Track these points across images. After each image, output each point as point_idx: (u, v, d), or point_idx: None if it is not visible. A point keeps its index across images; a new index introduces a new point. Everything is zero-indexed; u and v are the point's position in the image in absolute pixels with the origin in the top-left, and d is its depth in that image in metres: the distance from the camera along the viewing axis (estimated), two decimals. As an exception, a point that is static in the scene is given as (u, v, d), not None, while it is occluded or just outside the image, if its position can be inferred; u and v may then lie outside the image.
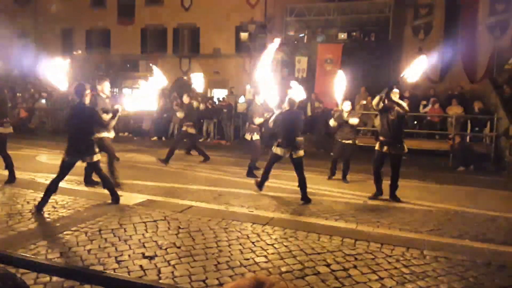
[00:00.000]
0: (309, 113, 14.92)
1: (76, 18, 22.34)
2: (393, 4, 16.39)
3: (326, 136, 11.49)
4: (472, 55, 15.03)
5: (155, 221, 5.26)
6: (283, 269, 3.98)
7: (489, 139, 12.25)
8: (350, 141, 8.30)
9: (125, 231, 4.87)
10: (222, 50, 20.46)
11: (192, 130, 9.97)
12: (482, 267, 4.22)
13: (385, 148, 6.69)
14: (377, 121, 7.03)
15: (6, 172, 7.19)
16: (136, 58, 22.00)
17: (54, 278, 3.39)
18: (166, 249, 4.34)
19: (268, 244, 4.60)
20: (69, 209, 5.72)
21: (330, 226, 5.40)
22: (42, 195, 5.60)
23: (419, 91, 14.86)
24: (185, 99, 10.36)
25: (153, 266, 3.93)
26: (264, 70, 7.19)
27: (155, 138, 15.73)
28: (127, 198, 6.41)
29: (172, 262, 4.01)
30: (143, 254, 4.20)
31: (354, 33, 17.55)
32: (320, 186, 7.80)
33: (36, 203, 5.61)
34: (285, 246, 4.57)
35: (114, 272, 3.70)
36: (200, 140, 14.36)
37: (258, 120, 8.57)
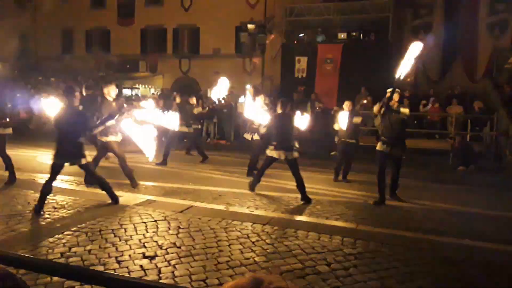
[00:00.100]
0: (309, 112, 14.92)
1: (76, 19, 22.35)
2: (392, 4, 16.40)
3: (326, 136, 11.48)
4: (472, 55, 15.05)
5: (155, 221, 5.27)
6: (284, 268, 3.98)
7: (489, 139, 12.25)
8: (354, 141, 8.30)
9: (126, 231, 4.87)
10: (222, 50, 20.47)
11: (184, 129, 9.89)
12: (482, 266, 4.22)
13: (387, 148, 6.63)
14: (377, 121, 6.96)
15: (7, 173, 7.20)
16: (136, 58, 22.00)
17: (55, 279, 3.39)
18: (166, 249, 4.35)
19: (268, 244, 4.60)
20: (69, 210, 5.73)
21: (330, 226, 5.41)
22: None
23: (419, 91, 14.88)
24: (178, 99, 10.38)
25: (154, 266, 3.94)
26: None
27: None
28: (128, 198, 6.41)
29: (173, 262, 4.02)
30: (143, 254, 4.21)
31: (354, 33, 17.56)
32: (320, 185, 7.80)
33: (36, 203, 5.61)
34: (285, 245, 4.57)
35: (115, 272, 3.71)
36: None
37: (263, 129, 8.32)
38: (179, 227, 5.05)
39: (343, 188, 7.77)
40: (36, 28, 23.38)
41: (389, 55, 16.47)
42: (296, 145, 6.76)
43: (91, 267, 3.81)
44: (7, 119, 7.31)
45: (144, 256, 4.15)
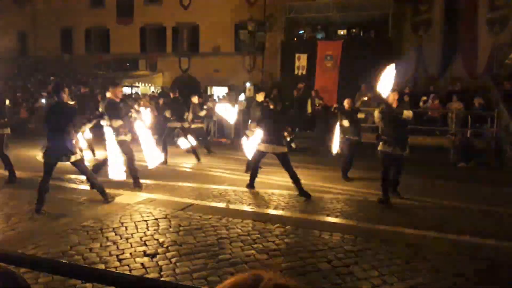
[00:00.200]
0: (309, 110, 14.92)
1: (75, 18, 22.34)
2: (392, 0, 16.37)
3: (327, 133, 11.47)
4: (472, 51, 15.01)
5: (156, 219, 5.27)
6: (284, 265, 3.98)
7: (489, 135, 12.24)
8: (357, 138, 8.27)
9: (127, 229, 4.88)
10: (222, 48, 20.46)
11: (177, 124, 9.80)
12: (483, 262, 4.22)
13: (389, 148, 6.54)
14: (376, 117, 6.85)
15: (7, 172, 7.20)
16: (135, 57, 22.00)
17: (56, 277, 3.40)
18: (167, 247, 4.35)
19: (269, 241, 4.60)
20: (70, 208, 5.73)
21: (331, 223, 5.41)
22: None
23: (419, 87, 14.86)
24: (171, 94, 10.41)
25: (155, 264, 3.94)
26: None
27: (155, 136, 15.72)
28: (128, 196, 6.42)
29: (174, 260, 4.02)
30: (144, 252, 4.21)
31: (354, 30, 17.55)
32: (321, 182, 7.80)
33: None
34: (286, 243, 4.58)
35: (116, 270, 3.72)
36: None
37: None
38: (180, 225, 5.05)
39: (343, 185, 7.77)
40: (35, 27, 23.37)
41: (389, 52, 16.47)
42: (288, 138, 6.87)
43: (92, 265, 3.81)
44: (6, 119, 7.30)
45: (145, 254, 4.15)
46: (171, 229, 4.91)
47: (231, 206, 6.08)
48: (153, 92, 20.50)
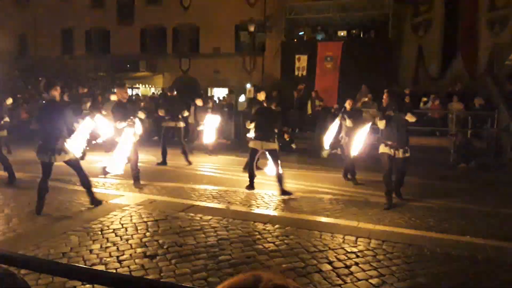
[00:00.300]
0: (309, 111, 14.93)
1: (75, 19, 22.37)
2: (392, 1, 16.39)
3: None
4: (472, 51, 15.01)
5: (156, 220, 5.27)
6: (285, 266, 3.98)
7: (490, 136, 12.23)
8: None
9: (127, 230, 4.88)
10: (222, 49, 20.47)
11: (171, 124, 9.64)
12: (483, 263, 4.22)
13: (392, 151, 6.43)
14: (381, 124, 6.64)
15: (6, 173, 7.21)
16: (136, 58, 22.01)
17: (56, 278, 3.40)
18: (167, 248, 4.35)
19: (270, 242, 4.60)
20: (70, 209, 5.73)
21: (331, 224, 5.41)
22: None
23: (419, 88, 14.86)
24: (169, 93, 10.29)
25: (155, 265, 3.94)
26: None
27: (155, 138, 15.73)
28: (128, 198, 6.43)
29: (174, 261, 4.02)
30: (144, 253, 4.21)
31: (354, 31, 17.57)
32: (321, 183, 7.80)
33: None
34: (287, 244, 4.57)
35: (116, 271, 3.72)
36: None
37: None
38: (180, 226, 5.05)
39: (344, 186, 7.77)
40: (36, 28, 23.40)
41: (389, 52, 16.49)
42: (287, 138, 6.90)
43: (92, 267, 3.81)
44: (2, 122, 7.30)
45: (145, 255, 4.15)
46: (171, 230, 4.91)
47: (232, 207, 6.08)
48: (153, 93, 20.51)
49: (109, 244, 4.42)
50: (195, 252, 4.26)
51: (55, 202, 5.89)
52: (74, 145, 5.66)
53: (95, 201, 5.84)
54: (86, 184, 5.82)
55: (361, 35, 17.59)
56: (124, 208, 5.77)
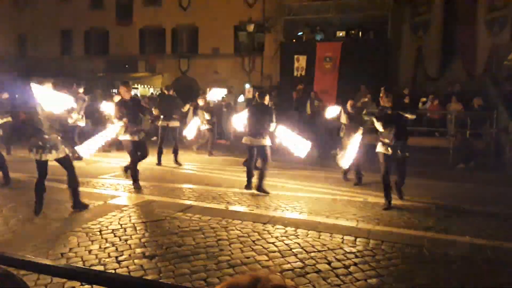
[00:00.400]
0: (308, 111, 14.93)
1: (74, 20, 22.35)
2: (391, 1, 16.40)
3: (327, 135, 11.47)
4: (471, 52, 15.02)
5: (155, 221, 5.27)
6: (284, 267, 3.98)
7: (489, 136, 12.25)
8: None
9: (125, 231, 4.88)
10: (221, 49, 20.48)
11: (163, 123, 9.62)
12: (483, 264, 4.22)
13: (389, 151, 6.36)
14: (379, 126, 6.54)
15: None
16: (135, 58, 22.00)
17: (55, 279, 3.39)
18: (166, 248, 4.35)
19: (269, 243, 4.60)
20: (69, 210, 5.72)
21: (330, 224, 5.41)
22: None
23: (418, 88, 14.87)
24: (166, 92, 10.23)
25: (154, 265, 3.94)
26: None
27: (155, 138, 15.72)
28: (127, 198, 6.43)
29: (173, 261, 4.02)
30: (143, 253, 4.21)
31: (353, 31, 17.58)
32: (320, 184, 7.81)
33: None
34: (286, 244, 4.57)
35: (115, 272, 3.71)
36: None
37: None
38: (179, 227, 5.05)
39: (342, 186, 7.77)
40: (35, 29, 23.37)
41: (388, 53, 16.51)
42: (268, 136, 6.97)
43: (91, 267, 3.81)
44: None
45: (144, 256, 4.15)
46: (170, 231, 4.91)
47: (231, 208, 6.08)
48: (152, 93, 20.50)
49: (108, 245, 4.42)
50: (194, 252, 4.26)
51: (53, 203, 5.88)
52: (89, 145, 5.69)
53: (79, 205, 5.69)
54: (74, 184, 5.68)
55: (360, 36, 17.60)
56: (123, 209, 5.77)
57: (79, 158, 9.87)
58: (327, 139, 11.06)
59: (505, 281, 3.91)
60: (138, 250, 4.29)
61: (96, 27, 22.61)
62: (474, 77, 14.77)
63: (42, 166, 5.47)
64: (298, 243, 4.60)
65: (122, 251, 4.27)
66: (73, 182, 5.68)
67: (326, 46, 16.98)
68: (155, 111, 9.61)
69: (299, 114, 14.89)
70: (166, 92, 10.27)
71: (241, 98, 16.78)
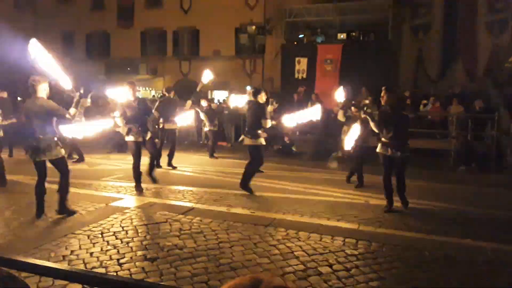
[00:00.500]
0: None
1: (76, 22, 22.42)
2: (392, 3, 16.42)
3: (327, 137, 11.47)
4: (472, 54, 15.02)
5: (156, 223, 5.27)
6: (286, 269, 3.98)
7: (490, 138, 12.23)
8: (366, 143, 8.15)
9: (127, 233, 4.88)
10: (222, 52, 20.51)
11: (166, 126, 9.63)
12: (484, 266, 4.21)
13: (389, 151, 6.25)
14: (373, 126, 6.49)
15: (9, 177, 7.22)
16: (136, 61, 22.05)
17: (57, 281, 3.40)
18: (168, 250, 4.35)
19: (270, 245, 4.60)
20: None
21: (332, 227, 5.40)
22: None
23: (419, 91, 14.86)
24: (167, 94, 10.27)
25: (155, 268, 3.94)
26: None
27: (157, 140, 15.71)
28: (129, 200, 6.43)
29: (174, 264, 4.02)
30: (145, 256, 4.21)
31: (354, 33, 17.57)
32: (321, 186, 7.80)
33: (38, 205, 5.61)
34: (287, 247, 4.57)
35: (116, 274, 3.72)
36: (200, 142, 14.40)
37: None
38: (180, 229, 5.05)
39: (344, 188, 7.76)
40: (36, 31, 23.42)
41: (389, 55, 16.51)
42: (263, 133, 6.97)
43: (92, 270, 3.81)
44: None
45: (146, 258, 4.15)
46: (171, 233, 4.91)
47: (232, 210, 6.08)
48: (153, 96, 20.54)
49: (109, 247, 4.43)
50: (195, 255, 4.26)
51: (55, 205, 5.88)
52: (85, 127, 5.68)
53: (65, 210, 5.56)
54: (64, 189, 5.56)
55: (361, 38, 17.60)
56: (125, 211, 5.78)
57: (82, 160, 9.90)
58: (327, 140, 11.06)
59: (506, 284, 3.90)
60: (140, 253, 4.30)
61: (98, 30, 22.66)
62: (475, 79, 14.76)
63: (40, 167, 5.46)
64: (300, 246, 4.60)
65: (124, 253, 4.27)
66: (64, 190, 5.55)
67: (327, 48, 17.00)
68: (155, 113, 9.59)
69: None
70: (167, 94, 10.30)
71: (241, 99, 16.77)
